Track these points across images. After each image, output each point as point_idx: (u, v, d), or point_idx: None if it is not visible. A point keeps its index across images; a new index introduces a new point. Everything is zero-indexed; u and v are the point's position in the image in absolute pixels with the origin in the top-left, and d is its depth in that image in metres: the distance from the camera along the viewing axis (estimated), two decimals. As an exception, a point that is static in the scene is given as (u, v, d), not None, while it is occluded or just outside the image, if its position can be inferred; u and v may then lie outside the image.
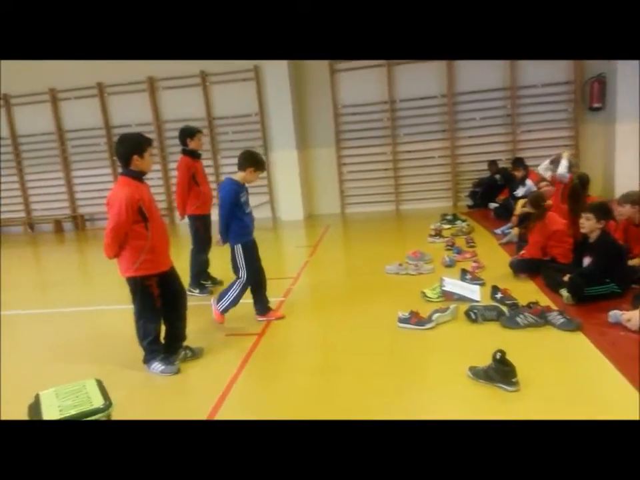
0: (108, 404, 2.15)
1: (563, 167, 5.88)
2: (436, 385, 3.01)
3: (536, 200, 5.04)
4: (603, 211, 4.02)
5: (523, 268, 4.83)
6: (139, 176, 3.28)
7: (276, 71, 9.26)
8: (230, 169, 10.21)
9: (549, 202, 5.27)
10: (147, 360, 3.47)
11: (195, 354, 3.62)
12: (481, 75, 9.16)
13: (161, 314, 3.43)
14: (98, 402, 2.14)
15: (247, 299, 4.41)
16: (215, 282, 5.35)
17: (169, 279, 3.42)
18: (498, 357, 2.89)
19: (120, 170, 3.35)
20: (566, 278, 4.07)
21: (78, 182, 10.86)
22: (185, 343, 3.61)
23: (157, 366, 3.42)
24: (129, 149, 3.20)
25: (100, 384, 2.35)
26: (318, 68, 9.56)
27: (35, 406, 2.18)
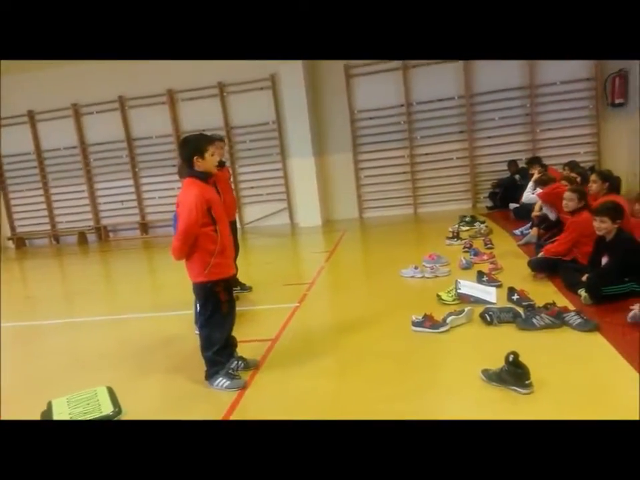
0: (117, 411, 2.19)
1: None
2: (448, 389, 2.97)
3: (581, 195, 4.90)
4: (617, 210, 3.94)
5: (542, 267, 4.74)
6: (204, 177, 3.17)
7: (292, 79, 9.34)
8: (248, 177, 10.36)
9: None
10: (210, 375, 3.26)
11: (249, 365, 3.44)
12: (498, 74, 9.08)
13: (228, 321, 3.30)
14: (107, 409, 2.18)
15: (256, 305, 4.45)
16: (244, 288, 5.39)
17: (232, 284, 3.37)
18: (511, 359, 2.83)
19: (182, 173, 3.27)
20: (584, 278, 3.98)
21: (101, 194, 11.13)
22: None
23: (222, 381, 3.20)
24: (189, 151, 3.13)
25: (111, 391, 2.39)
26: (333, 74, 9.61)
27: (47, 413, 2.23)
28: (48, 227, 11.44)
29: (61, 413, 2.20)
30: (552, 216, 5.86)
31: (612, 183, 5.04)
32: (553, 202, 5.73)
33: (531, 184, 6.36)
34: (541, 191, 5.87)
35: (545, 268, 4.72)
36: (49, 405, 2.33)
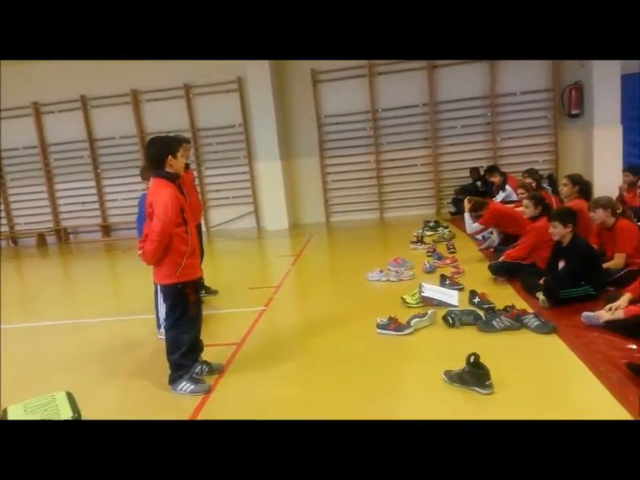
0: (76, 416, 2.13)
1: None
2: (411, 390, 3.02)
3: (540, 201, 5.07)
4: (567, 215, 4.12)
5: (502, 271, 4.88)
6: (172, 178, 3.14)
7: (259, 82, 9.33)
8: (214, 180, 10.27)
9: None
10: (174, 379, 3.22)
11: (213, 370, 3.40)
12: (461, 83, 9.31)
13: (196, 323, 3.27)
14: (66, 414, 2.12)
15: (221, 309, 4.38)
16: (209, 291, 5.34)
17: (199, 286, 3.34)
18: (472, 360, 2.91)
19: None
20: (541, 281, 4.12)
21: (61, 195, 10.83)
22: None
23: (186, 386, 3.16)
24: (162, 151, 3.09)
25: (70, 396, 2.34)
26: (300, 78, 9.65)
27: (2, 420, 2.16)
28: (5, 229, 11.04)
29: (17, 419, 2.13)
30: (497, 238, 6.02)
31: (582, 186, 5.21)
32: (497, 222, 5.87)
33: (467, 215, 6.00)
34: (480, 218, 5.82)
35: (504, 272, 4.86)
36: (4, 412, 2.26)
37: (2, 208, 10.94)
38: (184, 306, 3.19)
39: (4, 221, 11.00)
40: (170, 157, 3.09)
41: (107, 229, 10.83)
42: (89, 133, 10.39)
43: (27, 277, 8.57)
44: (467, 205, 6.00)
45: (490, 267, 4.99)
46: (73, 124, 10.34)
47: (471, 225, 6.00)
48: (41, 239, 10.78)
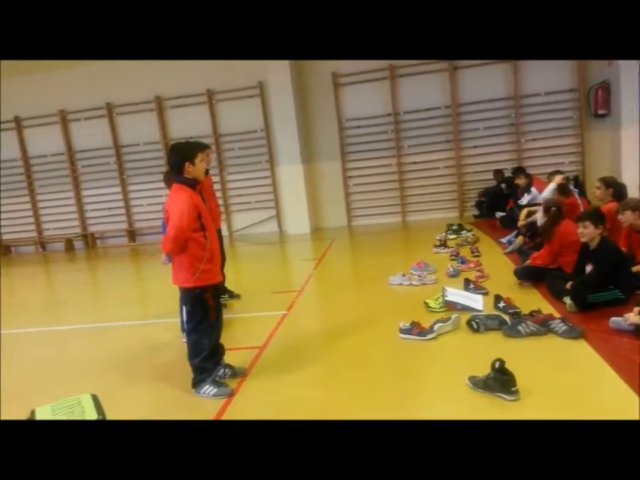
0: (101, 418, 2.17)
1: (547, 191, 5.89)
2: (435, 396, 2.98)
3: (556, 208, 4.97)
4: (599, 217, 4.01)
5: (528, 276, 4.79)
6: (192, 183, 3.18)
7: (280, 86, 9.38)
8: (236, 184, 10.36)
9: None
10: (197, 382, 3.24)
11: (236, 373, 3.42)
12: (484, 84, 9.20)
13: (216, 328, 3.30)
14: (91, 416, 2.15)
15: (244, 313, 4.39)
16: (233, 295, 5.37)
17: (219, 291, 3.37)
18: (497, 366, 2.86)
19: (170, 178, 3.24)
20: (568, 285, 4.03)
21: (88, 201, 11.04)
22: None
23: (209, 389, 3.19)
24: (180, 157, 3.14)
25: (95, 399, 2.38)
26: (322, 82, 9.67)
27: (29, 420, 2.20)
28: (34, 234, 11.31)
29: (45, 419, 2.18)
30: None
31: (616, 189, 5.09)
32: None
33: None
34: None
35: (530, 276, 4.77)
36: (32, 413, 2.30)
37: (31, 214, 11.21)
38: (203, 310, 3.21)
39: (33, 227, 11.27)
40: (187, 163, 3.13)
41: (132, 234, 11.00)
42: (114, 139, 10.58)
43: (55, 282, 8.76)
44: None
45: (515, 272, 4.90)
46: (99, 131, 10.55)
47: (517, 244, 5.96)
48: (69, 244, 11.01)
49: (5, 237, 11.43)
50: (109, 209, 10.93)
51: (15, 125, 10.78)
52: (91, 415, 2.19)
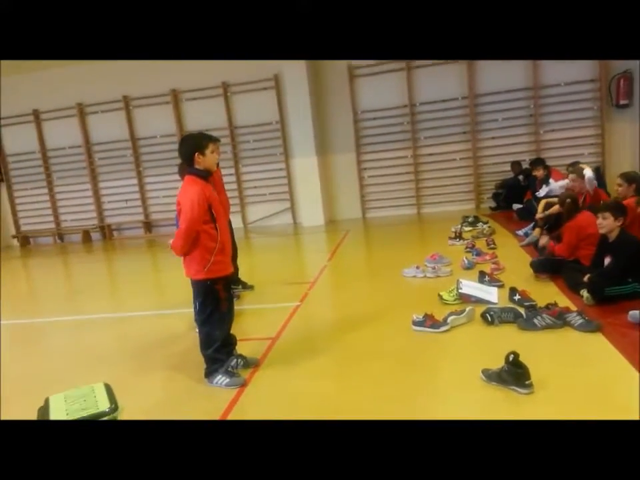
0: (114, 407, 2.19)
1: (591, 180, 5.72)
2: (448, 389, 2.96)
3: (571, 200, 4.90)
4: (620, 208, 3.92)
5: (544, 268, 4.72)
6: (204, 175, 3.18)
7: (295, 79, 9.34)
8: (251, 177, 10.37)
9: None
10: (210, 372, 3.27)
11: (248, 364, 3.43)
12: (502, 75, 9.04)
13: (227, 320, 3.31)
14: (104, 405, 2.17)
15: (257, 304, 4.38)
16: (246, 287, 5.38)
17: (230, 282, 3.37)
18: (511, 359, 2.82)
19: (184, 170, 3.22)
20: (586, 278, 3.96)
21: (105, 193, 11.15)
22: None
23: (222, 379, 3.21)
24: (190, 148, 3.13)
25: (108, 388, 2.40)
26: (337, 74, 9.60)
27: (44, 409, 2.23)
28: (52, 226, 11.47)
29: (58, 409, 2.20)
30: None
31: (638, 184, 4.96)
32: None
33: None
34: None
35: (547, 269, 4.70)
36: (46, 402, 2.33)
37: (49, 206, 11.37)
38: (215, 302, 3.21)
39: (51, 218, 11.43)
40: (197, 153, 3.12)
41: (148, 226, 11.09)
42: (131, 132, 10.66)
43: (73, 272, 8.88)
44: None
45: (532, 264, 4.83)
46: (116, 124, 10.63)
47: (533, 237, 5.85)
48: (86, 236, 11.15)
49: (23, 227, 11.62)
50: (126, 200, 11.03)
51: (33, 118, 10.91)
52: (104, 404, 2.21)
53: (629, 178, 5.00)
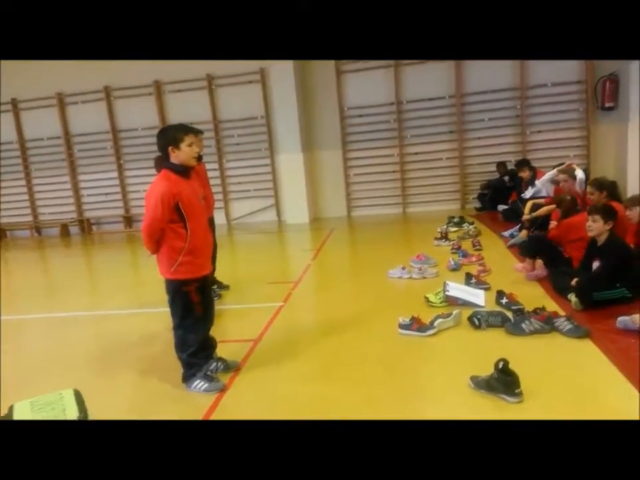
0: (82, 416, 2.05)
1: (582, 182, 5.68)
2: (435, 395, 2.87)
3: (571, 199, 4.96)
4: (610, 212, 3.88)
5: (530, 247, 4.85)
6: (179, 170, 2.97)
7: (281, 74, 9.20)
8: (235, 172, 10.20)
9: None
10: (188, 377, 3.12)
11: (229, 367, 3.30)
12: (489, 75, 9.02)
13: (202, 323, 3.13)
14: (72, 414, 2.03)
15: (239, 304, 4.26)
16: (222, 286, 5.23)
17: (207, 284, 3.20)
18: (500, 366, 2.75)
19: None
20: (574, 282, 3.91)
21: (84, 186, 10.89)
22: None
23: (200, 384, 3.06)
24: (165, 141, 2.96)
25: (77, 394, 2.26)
26: (324, 70, 9.48)
27: (8, 417, 2.08)
28: (30, 219, 11.16)
29: (23, 417, 2.06)
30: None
31: (609, 190, 4.90)
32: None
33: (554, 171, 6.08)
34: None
35: (532, 248, 4.82)
36: (10, 409, 2.18)
37: (27, 198, 11.05)
38: (187, 305, 3.04)
39: (28, 211, 11.12)
40: (171, 147, 2.95)
41: (129, 220, 10.86)
42: (112, 124, 10.40)
43: (49, 267, 8.63)
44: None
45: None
46: (97, 115, 10.36)
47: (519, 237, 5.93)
48: (65, 229, 10.88)
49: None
50: (106, 194, 10.78)
51: (11, 107, 10.59)
52: (72, 412, 2.07)
53: (598, 185, 4.93)
